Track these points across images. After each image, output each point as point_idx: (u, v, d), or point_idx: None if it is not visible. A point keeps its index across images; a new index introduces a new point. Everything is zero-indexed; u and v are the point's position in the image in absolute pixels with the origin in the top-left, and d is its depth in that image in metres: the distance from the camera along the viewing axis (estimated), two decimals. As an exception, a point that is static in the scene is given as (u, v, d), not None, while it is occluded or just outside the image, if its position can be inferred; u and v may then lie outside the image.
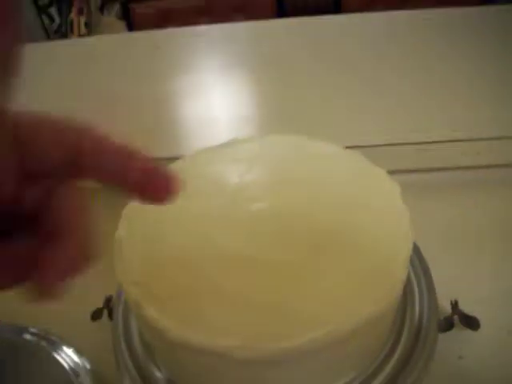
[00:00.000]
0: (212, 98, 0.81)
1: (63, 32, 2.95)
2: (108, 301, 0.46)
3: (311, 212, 0.36)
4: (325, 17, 0.98)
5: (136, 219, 0.36)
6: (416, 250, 0.44)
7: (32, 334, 0.37)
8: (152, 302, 0.31)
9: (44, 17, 3.01)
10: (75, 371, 0.34)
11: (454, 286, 0.46)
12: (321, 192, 0.37)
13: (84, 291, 0.51)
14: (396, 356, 0.38)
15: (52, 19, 3.06)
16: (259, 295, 0.31)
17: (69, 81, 0.85)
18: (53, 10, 3.06)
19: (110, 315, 0.46)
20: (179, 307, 0.31)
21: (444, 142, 0.61)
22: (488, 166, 0.61)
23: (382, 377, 0.36)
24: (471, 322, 0.44)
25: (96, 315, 0.47)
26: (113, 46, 0.99)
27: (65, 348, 0.35)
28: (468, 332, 0.45)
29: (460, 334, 0.45)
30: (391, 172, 0.39)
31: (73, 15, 2.83)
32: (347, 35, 0.90)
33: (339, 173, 0.39)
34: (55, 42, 1.47)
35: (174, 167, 0.42)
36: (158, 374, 0.38)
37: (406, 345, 0.38)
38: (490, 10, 0.98)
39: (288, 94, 0.75)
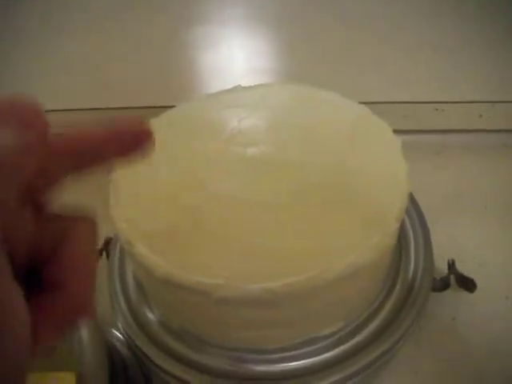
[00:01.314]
0: (225, 49, 0.79)
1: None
2: (107, 243, 0.47)
3: (307, 158, 0.35)
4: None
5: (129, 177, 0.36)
6: (416, 206, 0.44)
7: None
8: (141, 239, 0.31)
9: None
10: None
11: (453, 247, 0.46)
12: (318, 139, 0.37)
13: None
14: (386, 309, 0.38)
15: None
16: (247, 237, 0.30)
17: (82, 31, 0.84)
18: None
19: (108, 257, 0.46)
20: (167, 245, 0.31)
21: (461, 102, 0.59)
22: (502, 130, 0.59)
23: (368, 329, 0.36)
24: (467, 284, 0.43)
25: (95, 255, 0.48)
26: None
27: None
28: (463, 294, 0.44)
29: (455, 295, 0.45)
30: (400, 131, 0.38)
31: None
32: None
33: (340, 121, 0.39)
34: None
35: (175, 112, 0.41)
36: (150, 316, 0.38)
37: (398, 299, 0.38)
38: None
39: (302, 49, 0.74)
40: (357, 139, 0.37)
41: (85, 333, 0.34)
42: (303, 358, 0.35)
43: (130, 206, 0.33)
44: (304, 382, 0.34)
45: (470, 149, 0.59)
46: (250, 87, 0.43)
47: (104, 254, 0.47)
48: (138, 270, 0.33)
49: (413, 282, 0.39)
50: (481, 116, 0.59)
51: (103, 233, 0.48)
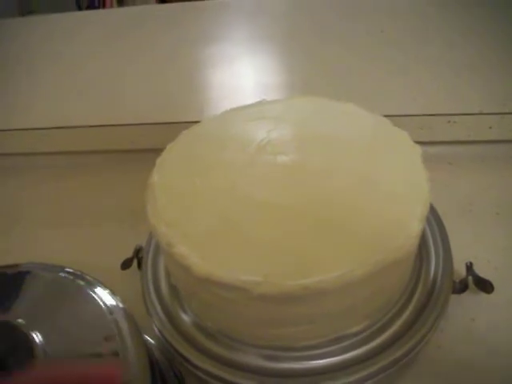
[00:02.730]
0: (239, 67, 0.82)
1: (96, 6, 2.98)
2: (137, 251, 0.49)
3: (331, 165, 0.37)
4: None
5: (168, 168, 0.39)
6: (434, 213, 0.46)
7: (68, 273, 0.39)
8: (182, 241, 0.33)
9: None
10: (110, 310, 0.36)
11: (469, 252, 0.48)
12: (341, 147, 0.39)
13: (115, 243, 0.54)
14: (408, 311, 0.39)
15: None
16: (280, 238, 0.33)
17: (97, 50, 0.87)
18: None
19: (139, 264, 0.48)
20: (206, 246, 0.33)
21: (472, 114, 0.61)
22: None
23: (392, 330, 0.38)
24: (485, 285, 0.45)
25: (126, 264, 0.50)
26: (142, 17, 1.01)
27: (100, 288, 0.37)
28: (481, 295, 0.46)
29: (474, 296, 0.46)
30: (419, 143, 0.40)
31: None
32: (378, 7, 0.90)
33: (360, 131, 0.41)
34: (87, 11, 1.49)
35: (203, 125, 0.44)
36: (185, 318, 0.40)
37: (419, 301, 0.40)
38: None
39: (316, 64, 0.77)
40: (377, 147, 0.39)
41: (127, 338, 0.35)
42: (330, 356, 0.37)
43: (168, 211, 0.36)
44: (330, 378, 0.35)
45: (480, 159, 0.62)
46: (272, 101, 0.46)
47: (135, 262, 0.49)
48: (177, 272, 0.35)
49: (433, 285, 0.41)
50: (491, 128, 0.61)
51: (133, 242, 0.50)
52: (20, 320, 0.33)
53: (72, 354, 0.33)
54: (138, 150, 0.66)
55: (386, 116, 0.44)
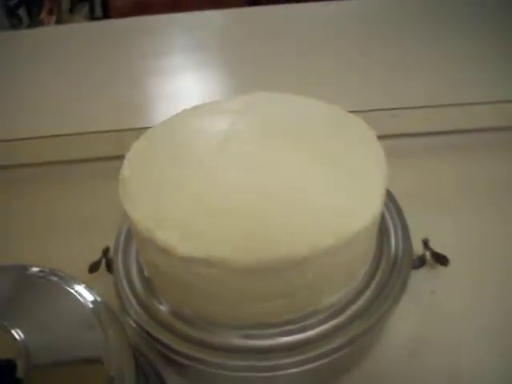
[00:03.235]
0: (181, 78, 0.85)
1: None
2: (105, 251, 0.49)
3: (296, 149, 0.40)
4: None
5: (138, 162, 0.40)
6: (391, 197, 0.49)
7: (38, 271, 0.38)
8: (160, 225, 0.34)
9: (12, 18, 2.97)
10: (89, 303, 0.36)
11: (426, 230, 0.51)
12: (303, 133, 0.42)
13: (80, 247, 0.54)
14: (373, 285, 0.42)
15: (20, 20, 3.03)
16: (251, 217, 0.34)
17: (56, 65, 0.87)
18: (21, 11, 3.05)
19: (108, 265, 0.49)
20: (184, 228, 0.34)
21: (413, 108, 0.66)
22: (466, 131, 0.66)
23: (357, 304, 0.40)
24: (441, 259, 0.48)
25: (94, 267, 0.50)
26: (86, 33, 1.02)
27: (75, 284, 0.37)
28: (438, 270, 0.49)
29: (432, 271, 0.50)
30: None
31: (43, 15, 2.83)
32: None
33: (320, 118, 0.44)
34: (31, 30, 1.47)
35: (167, 122, 0.45)
36: (161, 307, 0.41)
37: (382, 278, 0.42)
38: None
39: (265, 68, 0.80)
40: (336, 131, 0.42)
41: (109, 328, 0.35)
42: (304, 331, 0.38)
43: (142, 200, 0.37)
44: (304, 351, 0.37)
45: (425, 150, 0.66)
46: (233, 98, 0.48)
47: (103, 263, 0.49)
48: (155, 259, 0.36)
49: (395, 261, 0.44)
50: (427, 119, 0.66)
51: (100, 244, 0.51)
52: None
53: (54, 349, 0.33)
54: (89, 158, 0.66)
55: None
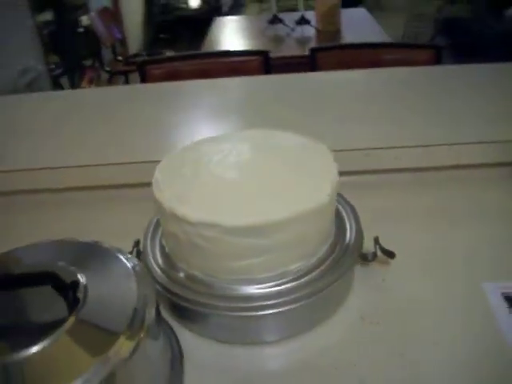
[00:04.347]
0: (205, 128, 1.05)
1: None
2: (136, 242, 0.66)
3: (273, 159, 0.59)
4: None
5: (164, 169, 0.59)
6: (352, 207, 0.65)
7: (99, 243, 0.54)
8: (178, 204, 0.52)
9: (56, 87, 3.29)
10: (130, 263, 0.52)
11: (379, 234, 0.67)
12: (280, 151, 0.61)
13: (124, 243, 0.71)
14: (331, 257, 0.58)
15: (62, 89, 3.35)
16: (243, 197, 0.53)
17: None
18: (64, 80, 3.38)
19: (138, 254, 0.65)
20: (195, 205, 0.52)
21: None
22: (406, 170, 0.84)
23: (320, 269, 0.56)
24: (389, 253, 0.64)
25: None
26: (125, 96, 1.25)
27: (121, 252, 0.53)
28: (387, 263, 0.65)
29: (383, 265, 0.65)
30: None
31: (84, 83, 3.17)
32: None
33: (294, 144, 0.63)
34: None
35: (185, 148, 0.64)
36: (177, 273, 0.58)
37: (338, 254, 0.59)
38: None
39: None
40: (303, 150, 0.61)
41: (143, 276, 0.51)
42: (278, 285, 0.55)
43: (170, 191, 0.55)
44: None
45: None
46: (219, 136, 0.67)
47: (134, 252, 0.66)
48: (173, 228, 0.54)
49: (348, 244, 0.60)
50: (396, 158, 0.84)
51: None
52: (72, 267, 0.49)
53: (103, 288, 0.49)
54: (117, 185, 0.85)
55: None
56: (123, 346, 0.43)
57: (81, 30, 3.75)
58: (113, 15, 3.90)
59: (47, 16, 3.36)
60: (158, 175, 0.58)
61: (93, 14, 3.48)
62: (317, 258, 0.57)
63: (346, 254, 0.59)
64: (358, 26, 2.58)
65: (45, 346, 0.41)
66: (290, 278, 0.55)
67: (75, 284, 0.48)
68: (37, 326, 0.47)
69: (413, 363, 0.54)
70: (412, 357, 0.55)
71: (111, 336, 0.43)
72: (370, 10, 3.01)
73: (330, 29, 2.47)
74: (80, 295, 0.46)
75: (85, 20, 3.73)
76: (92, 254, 0.54)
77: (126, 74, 3.46)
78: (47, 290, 0.48)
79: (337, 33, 2.47)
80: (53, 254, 0.54)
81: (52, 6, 3.40)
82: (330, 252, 0.59)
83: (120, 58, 3.71)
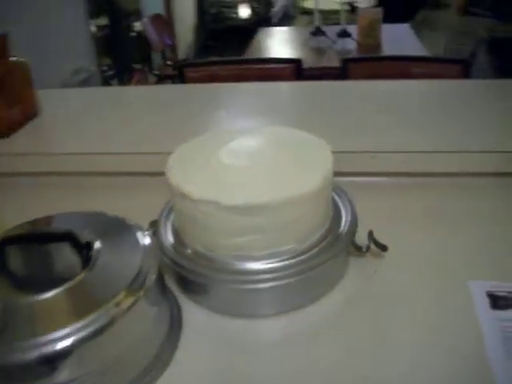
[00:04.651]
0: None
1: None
2: (153, 222, 0.73)
3: (274, 148, 0.66)
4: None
5: (176, 157, 0.66)
6: (350, 199, 0.71)
7: (119, 217, 0.62)
8: (187, 185, 0.59)
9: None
10: (146, 244, 0.59)
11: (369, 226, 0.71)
12: (281, 142, 0.67)
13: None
14: (325, 242, 0.63)
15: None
16: (245, 180, 0.60)
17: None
18: (114, 82, 3.56)
19: (154, 233, 0.72)
20: (198, 184, 0.59)
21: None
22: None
23: (311, 252, 0.62)
24: (382, 246, 0.69)
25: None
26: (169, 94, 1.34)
27: (137, 227, 0.61)
28: (380, 256, 0.69)
29: (377, 258, 0.70)
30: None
31: (132, 85, 3.33)
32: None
33: (296, 140, 0.69)
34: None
35: (197, 138, 0.71)
36: (184, 249, 0.64)
37: (332, 238, 0.64)
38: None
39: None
40: (303, 144, 0.67)
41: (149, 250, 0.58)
42: (273, 263, 0.60)
43: (179, 175, 0.62)
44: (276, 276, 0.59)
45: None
46: (233, 130, 0.74)
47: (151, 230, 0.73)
48: (181, 205, 0.61)
49: (342, 231, 0.66)
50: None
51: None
52: (91, 233, 0.57)
53: (116, 256, 0.56)
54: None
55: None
56: (123, 301, 0.50)
57: (133, 34, 3.93)
58: (164, 22, 4.06)
59: (102, 21, 3.57)
60: (172, 161, 0.65)
61: (145, 20, 3.64)
62: (311, 240, 0.63)
63: (338, 239, 0.64)
64: (399, 41, 2.62)
65: (56, 293, 0.49)
66: (284, 257, 0.61)
67: (89, 245, 0.55)
68: (53, 276, 0.55)
69: (390, 337, 0.60)
70: (389, 336, 0.60)
71: (113, 291, 0.50)
72: (417, 26, 3.03)
73: (370, 42, 2.52)
74: (92, 255, 0.54)
75: (137, 26, 3.91)
76: (115, 226, 0.62)
77: (172, 78, 3.59)
78: (66, 248, 0.56)
79: (377, 47, 2.51)
80: (81, 221, 0.62)
81: (107, 12, 3.60)
82: (323, 237, 0.64)
83: (169, 62, 3.85)
